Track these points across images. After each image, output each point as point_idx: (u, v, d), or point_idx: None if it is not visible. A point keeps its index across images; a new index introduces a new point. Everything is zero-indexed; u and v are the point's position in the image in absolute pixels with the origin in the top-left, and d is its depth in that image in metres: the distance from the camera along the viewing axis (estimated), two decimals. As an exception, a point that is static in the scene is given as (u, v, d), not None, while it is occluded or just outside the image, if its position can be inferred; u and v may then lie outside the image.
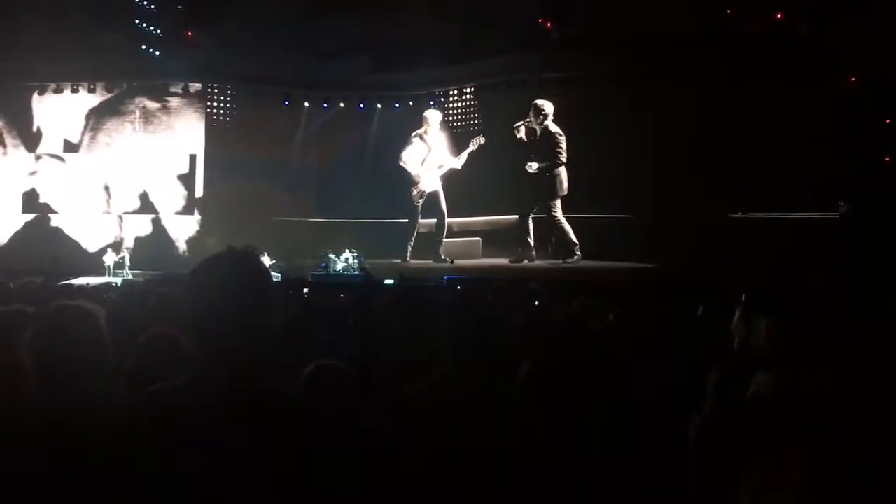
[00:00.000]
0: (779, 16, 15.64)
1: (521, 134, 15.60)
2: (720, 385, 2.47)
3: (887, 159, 15.57)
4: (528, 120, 15.61)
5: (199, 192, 19.84)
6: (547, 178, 15.23)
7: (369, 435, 2.24)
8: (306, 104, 20.34)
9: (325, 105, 20.39)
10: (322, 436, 1.77)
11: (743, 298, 2.16)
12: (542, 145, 15.30)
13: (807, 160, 14.68)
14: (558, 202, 15.33)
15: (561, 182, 15.20)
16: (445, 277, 14.81)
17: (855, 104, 15.00)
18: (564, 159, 15.18)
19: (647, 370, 3.38)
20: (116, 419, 1.76)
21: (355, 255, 17.36)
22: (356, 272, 17.09)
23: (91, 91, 19.68)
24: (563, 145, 15.17)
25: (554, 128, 15.31)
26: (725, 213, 15.37)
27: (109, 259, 17.78)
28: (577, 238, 15.36)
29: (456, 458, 2.29)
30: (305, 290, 8.75)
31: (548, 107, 15.43)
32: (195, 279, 1.72)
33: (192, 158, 19.82)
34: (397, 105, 20.22)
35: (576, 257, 15.17)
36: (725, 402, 2.09)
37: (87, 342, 2.06)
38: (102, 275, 17.11)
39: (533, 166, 15.40)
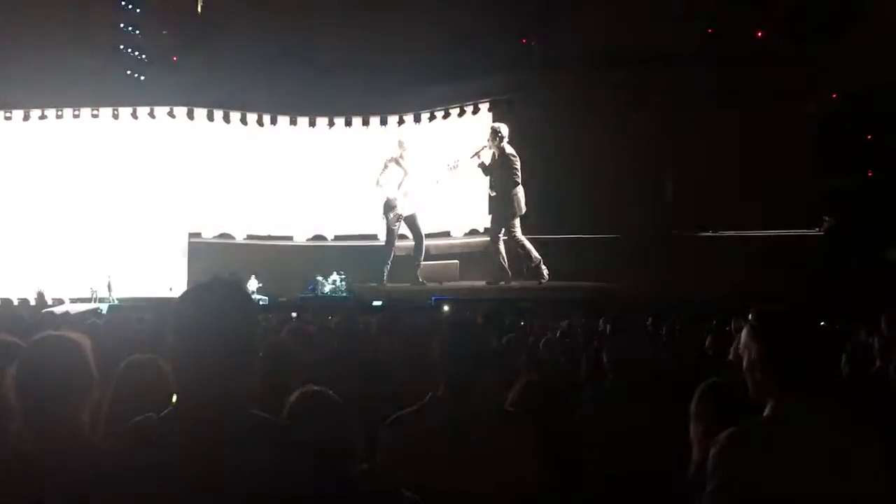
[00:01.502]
0: (759, 34, 15.81)
1: (484, 158, 15.73)
2: (714, 407, 2.46)
3: (870, 174, 15.73)
4: (486, 144, 15.73)
5: (185, 215, 19.74)
6: (506, 199, 15.41)
7: (360, 460, 2.21)
8: (293, 126, 20.39)
9: (312, 126, 20.45)
10: (310, 462, 1.74)
11: (750, 318, 2.12)
12: (500, 167, 15.45)
13: (790, 176, 14.81)
14: (517, 222, 15.47)
15: (518, 202, 15.37)
16: (434, 298, 14.82)
17: (837, 120, 15.15)
18: (519, 180, 15.34)
19: (637, 391, 3.37)
20: (100, 452, 1.72)
21: (342, 276, 17.37)
22: (344, 294, 17.09)
23: (76, 116, 19.63)
24: (518, 166, 15.35)
25: (509, 149, 15.47)
26: (708, 231, 15.44)
27: (95, 285, 17.65)
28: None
29: (448, 480, 2.26)
30: (294, 314, 8.70)
31: (504, 129, 15.62)
32: (181, 307, 1.70)
33: (179, 182, 19.74)
34: (384, 126, 20.28)
35: (545, 276, 15.31)
36: (725, 423, 2.06)
37: (73, 373, 2.02)
38: (88, 301, 16.97)
39: (493, 192, 15.67)
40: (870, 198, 15.05)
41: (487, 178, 15.74)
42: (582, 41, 16.67)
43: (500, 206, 15.57)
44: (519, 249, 15.49)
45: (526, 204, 15.38)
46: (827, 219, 15.13)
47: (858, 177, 15.53)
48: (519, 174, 15.35)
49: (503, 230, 15.61)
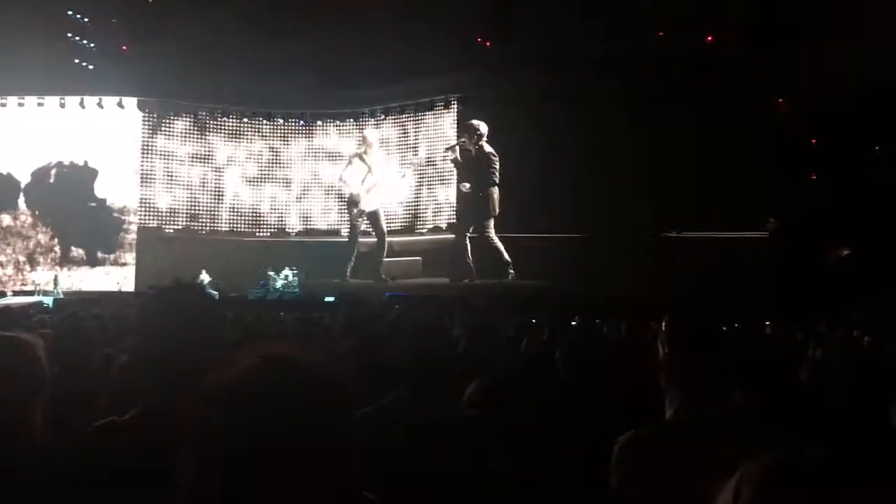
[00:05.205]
0: (710, 39, 16.10)
1: (456, 154, 15.58)
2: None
3: (814, 177, 16.14)
4: (462, 140, 15.60)
5: (134, 206, 19.40)
6: (480, 198, 15.25)
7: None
8: (245, 120, 20.17)
9: (265, 121, 20.25)
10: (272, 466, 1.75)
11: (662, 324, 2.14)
12: (477, 166, 15.30)
13: (738, 179, 15.14)
14: (491, 222, 15.35)
15: (494, 202, 15.24)
16: (387, 294, 14.79)
17: (784, 125, 15.51)
18: (497, 180, 15.24)
19: (588, 387, 3.44)
20: (61, 457, 1.70)
21: (295, 272, 17.22)
22: (296, 290, 16.94)
23: (21, 105, 19.13)
24: (497, 166, 15.23)
25: (488, 148, 15.33)
26: (660, 232, 15.65)
27: (39, 278, 17.25)
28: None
29: (407, 480, 2.29)
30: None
31: (483, 127, 15.42)
32: (145, 312, 1.70)
33: (128, 173, 19.38)
34: (337, 122, 20.17)
35: (510, 276, 15.24)
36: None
37: (24, 375, 1.99)
38: (31, 294, 16.58)
39: (466, 186, 15.43)
40: (813, 200, 15.47)
41: (456, 175, 15.59)
42: (537, 42, 16.77)
43: (474, 205, 15.32)
44: (491, 249, 15.30)
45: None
46: (772, 221, 15.50)
47: (804, 180, 15.93)
48: (497, 174, 15.16)
49: (473, 229, 15.43)
